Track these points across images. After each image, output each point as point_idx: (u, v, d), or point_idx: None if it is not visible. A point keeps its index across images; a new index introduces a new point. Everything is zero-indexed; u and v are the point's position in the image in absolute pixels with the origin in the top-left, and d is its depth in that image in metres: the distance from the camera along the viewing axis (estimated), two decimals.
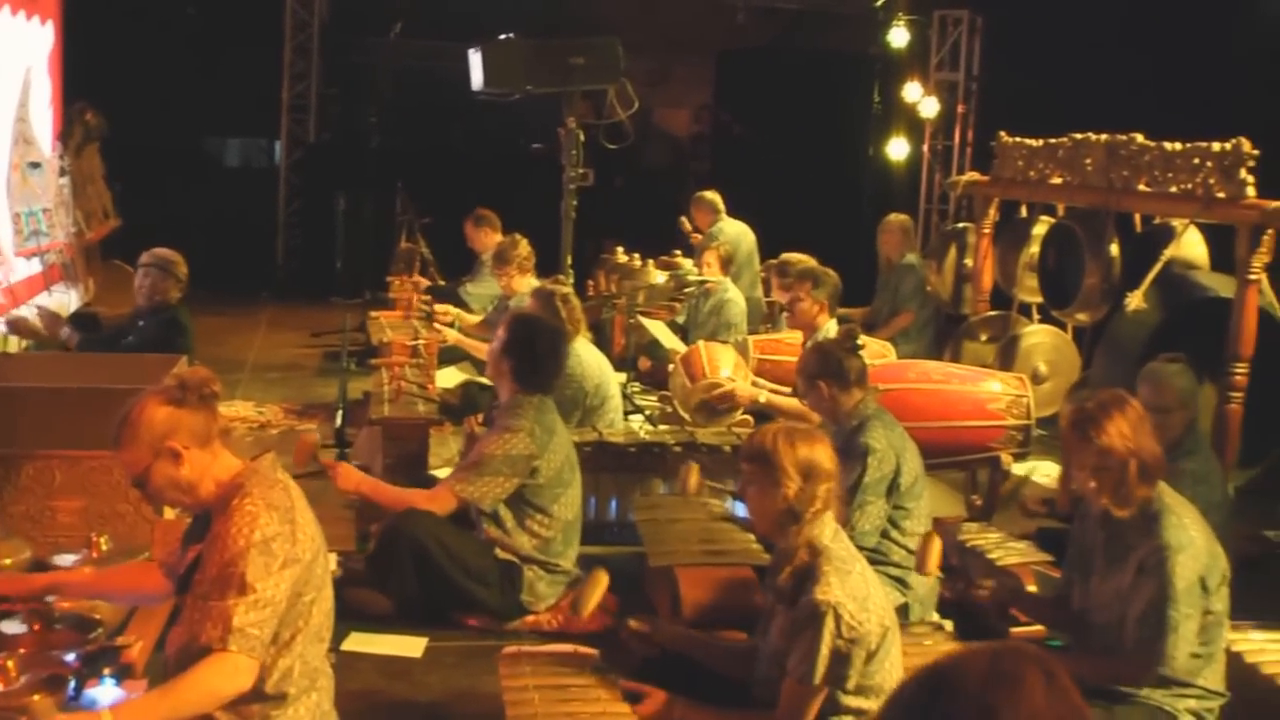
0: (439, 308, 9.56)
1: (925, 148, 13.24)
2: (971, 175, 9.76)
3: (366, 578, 5.61)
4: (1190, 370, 5.72)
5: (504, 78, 8.42)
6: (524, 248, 8.81)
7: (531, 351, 5.70)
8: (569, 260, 8.75)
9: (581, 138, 8.49)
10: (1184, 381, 5.61)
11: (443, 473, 6.24)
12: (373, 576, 5.59)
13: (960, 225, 10.31)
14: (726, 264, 10.01)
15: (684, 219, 11.41)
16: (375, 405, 7.12)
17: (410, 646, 5.31)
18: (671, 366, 8.18)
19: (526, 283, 8.63)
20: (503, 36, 8.62)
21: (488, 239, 10.32)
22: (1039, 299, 8.73)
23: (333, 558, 4.18)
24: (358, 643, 5.26)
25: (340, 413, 7.98)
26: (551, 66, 8.28)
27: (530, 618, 5.58)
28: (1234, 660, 4.53)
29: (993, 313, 9.17)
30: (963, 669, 1.79)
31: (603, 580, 4.23)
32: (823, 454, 3.98)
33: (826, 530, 3.93)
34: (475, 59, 8.37)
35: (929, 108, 12.96)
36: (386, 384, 7.35)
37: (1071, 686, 1.78)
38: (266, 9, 14.88)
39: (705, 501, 6.00)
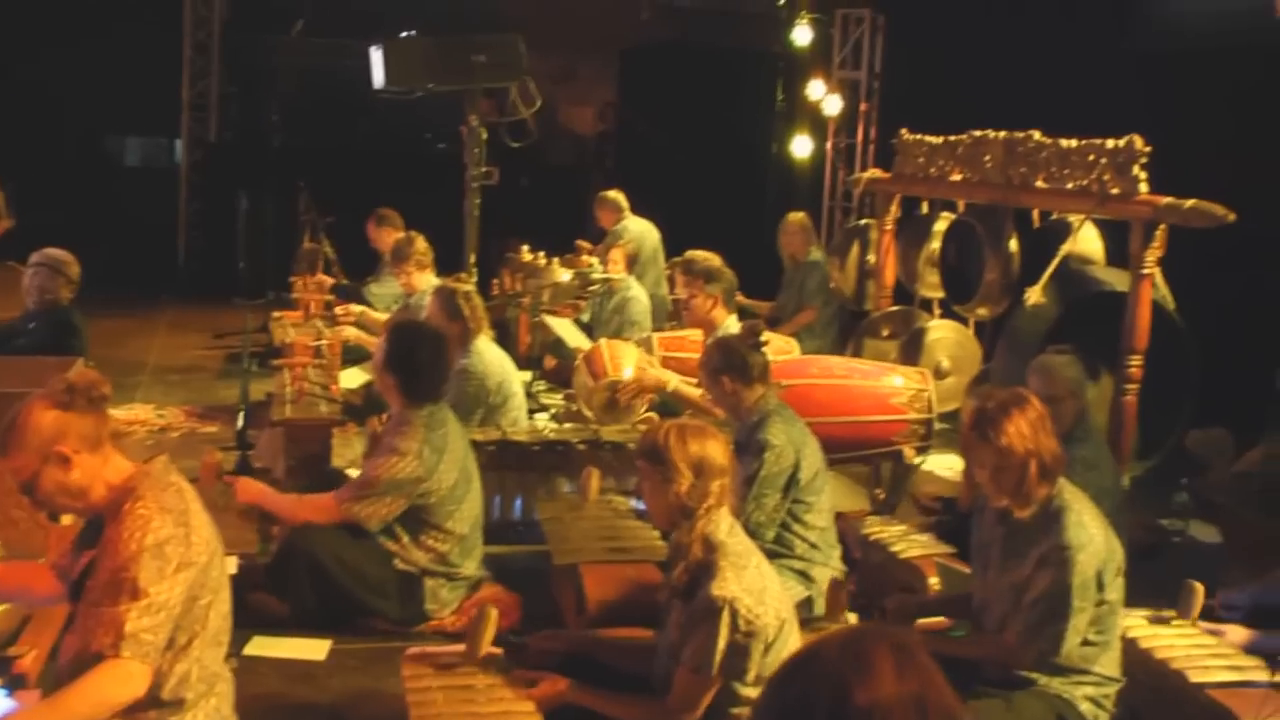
0: (340, 307, 9.48)
1: (828, 145, 13.31)
2: (873, 172, 9.83)
3: (266, 584, 5.56)
4: (1079, 360, 5.84)
5: (405, 75, 8.37)
6: (420, 245, 8.73)
7: (414, 363, 5.63)
8: (472, 259, 8.72)
9: (484, 136, 8.45)
10: (1073, 371, 5.73)
11: (354, 472, 6.16)
12: (272, 587, 5.53)
13: (863, 222, 10.39)
14: (631, 262, 10.03)
15: (581, 243, 11.37)
16: (277, 406, 7.04)
17: (313, 649, 5.27)
18: (576, 365, 8.17)
19: (426, 280, 8.57)
20: (404, 34, 8.57)
21: (390, 238, 10.20)
22: (941, 294, 8.82)
23: (232, 560, 4.13)
24: (259, 646, 5.22)
25: (242, 415, 7.87)
26: (453, 64, 8.24)
27: (434, 622, 5.55)
28: (1129, 646, 4.61)
29: (895, 308, 9.24)
30: (821, 651, 1.84)
31: (492, 618, 4.12)
32: (715, 450, 4.00)
33: (722, 525, 3.95)
34: (376, 56, 8.30)
35: (832, 105, 13.03)
36: (289, 385, 7.27)
37: (928, 663, 1.83)
38: (166, 5, 14.66)
39: (609, 499, 6.01)
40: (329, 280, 10.83)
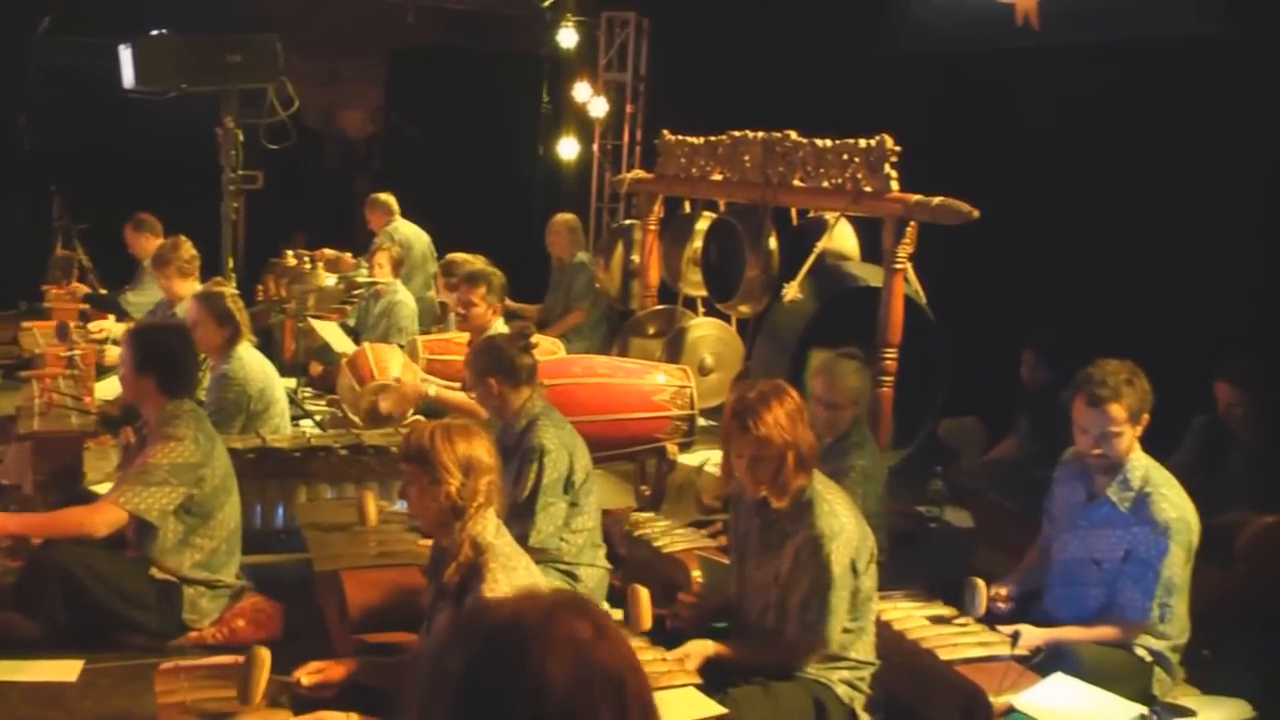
0: (93, 325, 9.17)
1: (595, 147, 13.37)
2: (636, 173, 9.93)
3: (15, 603, 5.33)
4: (866, 369, 5.91)
5: (156, 75, 8.15)
6: (186, 250, 8.46)
7: (169, 357, 5.50)
8: (230, 263, 8.52)
9: (241, 138, 8.28)
10: (857, 381, 5.76)
11: (104, 488, 5.96)
12: (21, 606, 5.31)
13: (627, 222, 10.47)
14: (398, 266, 9.93)
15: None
16: (24, 419, 6.78)
17: (64, 670, 5.05)
18: (340, 369, 8.06)
19: (189, 287, 8.33)
20: (155, 32, 8.32)
21: (149, 244, 9.89)
22: (703, 293, 8.94)
23: None
24: (6, 671, 4.97)
25: None
26: (207, 64, 8.05)
27: (194, 633, 5.41)
28: (883, 629, 4.75)
29: (660, 307, 9.35)
30: (522, 618, 1.76)
31: (264, 661, 3.98)
32: (481, 449, 3.99)
33: (489, 526, 3.94)
34: (126, 55, 8.07)
35: (598, 108, 13.10)
36: (38, 397, 7.00)
37: (621, 639, 1.78)
38: None
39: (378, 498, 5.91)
40: (83, 289, 10.48)
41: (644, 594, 4.50)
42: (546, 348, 7.82)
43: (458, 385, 7.25)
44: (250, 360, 6.90)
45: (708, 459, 7.37)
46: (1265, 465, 6.10)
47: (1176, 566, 4.75)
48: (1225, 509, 5.80)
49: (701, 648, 4.32)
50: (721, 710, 4.06)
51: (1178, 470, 4.95)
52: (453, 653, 1.76)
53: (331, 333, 9.25)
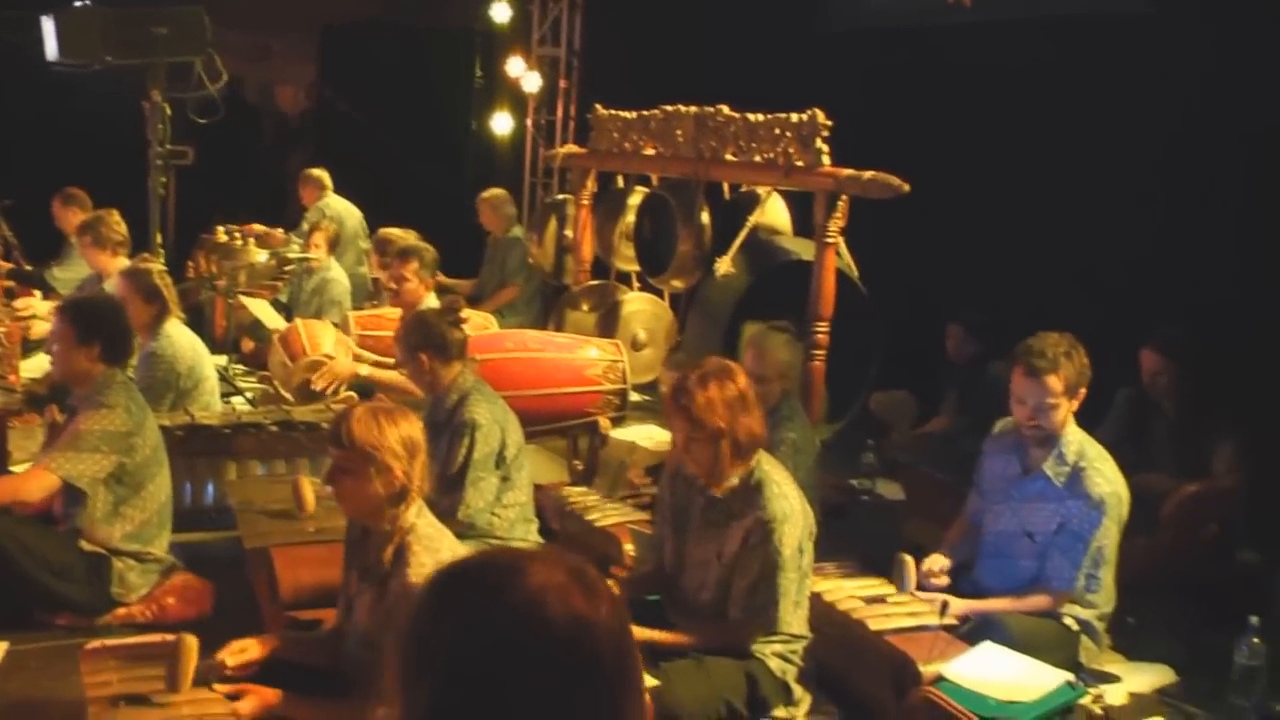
0: (19, 301, 9.03)
1: (529, 122, 13.31)
2: (569, 148, 9.91)
3: None
4: (795, 342, 5.91)
5: (81, 48, 7.99)
6: (114, 225, 8.33)
7: (113, 324, 5.47)
8: (159, 239, 8.41)
9: (169, 112, 8.16)
10: (787, 354, 5.76)
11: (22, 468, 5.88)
12: None
13: (560, 197, 10.45)
14: (333, 243, 9.84)
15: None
16: None
17: None
18: (272, 345, 7.99)
19: (117, 263, 8.20)
20: (79, 3, 8.18)
21: (76, 219, 9.76)
22: (637, 267, 8.95)
23: None
24: None
25: None
26: (132, 36, 7.90)
27: (122, 610, 5.36)
28: (815, 600, 4.76)
29: (594, 282, 9.34)
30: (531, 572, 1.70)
31: (191, 647, 3.91)
32: (416, 429, 3.94)
33: (412, 508, 3.88)
34: (49, 27, 7.92)
35: (532, 83, 13.04)
36: None
37: (605, 591, 1.73)
38: None
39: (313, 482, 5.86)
40: (7, 265, 10.32)
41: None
42: (479, 323, 7.81)
43: (391, 361, 7.20)
44: (179, 337, 6.82)
45: (639, 432, 7.38)
46: (1188, 435, 6.18)
47: (1107, 539, 4.82)
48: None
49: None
50: (653, 683, 4.06)
51: (1104, 443, 5.01)
52: (428, 615, 1.71)
53: (262, 309, 9.16)
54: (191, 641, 3.85)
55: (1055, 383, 4.77)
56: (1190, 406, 6.23)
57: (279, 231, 11.27)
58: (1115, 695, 4.82)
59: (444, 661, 1.66)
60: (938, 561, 5.05)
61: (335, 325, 8.18)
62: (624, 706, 1.68)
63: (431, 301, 7.11)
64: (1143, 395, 6.40)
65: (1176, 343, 6.30)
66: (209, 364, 7.08)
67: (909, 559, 4.96)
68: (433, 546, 3.79)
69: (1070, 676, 4.33)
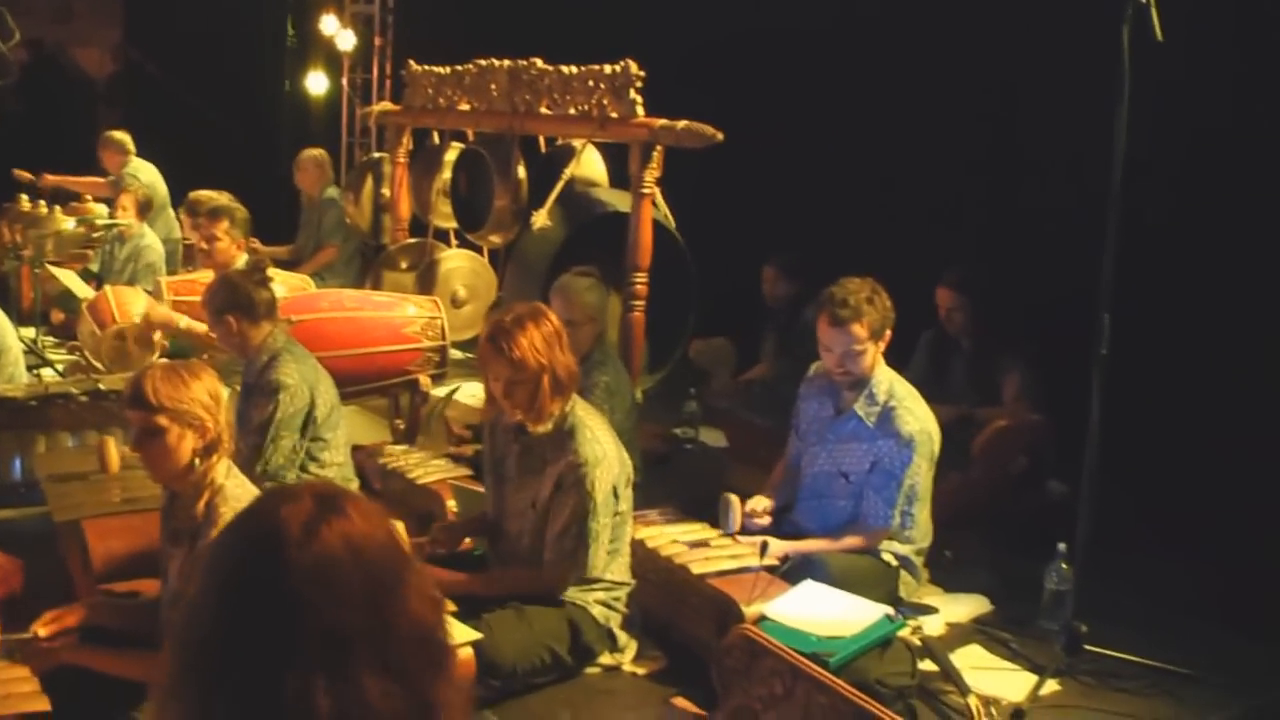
0: None
1: (344, 81, 13.08)
2: (384, 105, 9.77)
3: None
4: (601, 285, 5.97)
5: None
6: None
7: None
8: None
9: None
10: (593, 296, 5.84)
11: None
12: None
13: (375, 156, 10.30)
14: (144, 208, 9.55)
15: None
16: None
17: None
18: (81, 314, 7.76)
19: None
20: None
21: None
22: (454, 224, 8.87)
23: None
24: None
25: None
26: None
27: None
28: (638, 547, 4.81)
29: (411, 240, 9.24)
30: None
31: None
32: (216, 382, 3.85)
33: (220, 468, 3.80)
34: None
35: (346, 40, 12.79)
36: None
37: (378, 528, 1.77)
38: None
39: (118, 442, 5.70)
40: None
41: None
42: (296, 285, 7.68)
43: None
44: None
45: (458, 388, 7.34)
46: (982, 367, 6.35)
47: (919, 476, 4.94)
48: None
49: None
50: (476, 635, 4.06)
51: (911, 383, 5.12)
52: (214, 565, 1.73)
53: (72, 279, 8.88)
54: None
55: (860, 330, 4.87)
56: (983, 338, 6.40)
57: (88, 199, 10.90)
58: (933, 626, 4.95)
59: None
60: (760, 502, 5.14)
61: (148, 292, 7.97)
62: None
63: (241, 262, 6.98)
64: (942, 334, 6.55)
65: (966, 277, 6.46)
66: (12, 335, 6.84)
67: (734, 498, 5.03)
68: (240, 508, 3.70)
69: (889, 610, 4.43)
